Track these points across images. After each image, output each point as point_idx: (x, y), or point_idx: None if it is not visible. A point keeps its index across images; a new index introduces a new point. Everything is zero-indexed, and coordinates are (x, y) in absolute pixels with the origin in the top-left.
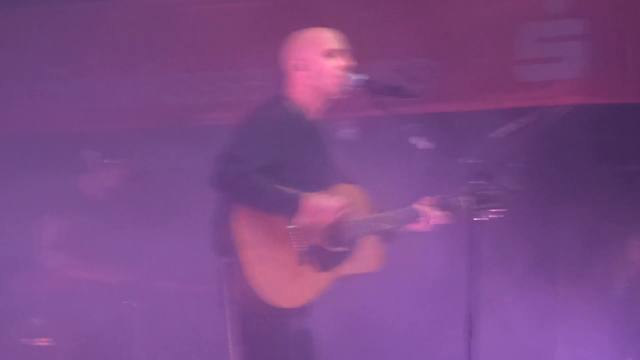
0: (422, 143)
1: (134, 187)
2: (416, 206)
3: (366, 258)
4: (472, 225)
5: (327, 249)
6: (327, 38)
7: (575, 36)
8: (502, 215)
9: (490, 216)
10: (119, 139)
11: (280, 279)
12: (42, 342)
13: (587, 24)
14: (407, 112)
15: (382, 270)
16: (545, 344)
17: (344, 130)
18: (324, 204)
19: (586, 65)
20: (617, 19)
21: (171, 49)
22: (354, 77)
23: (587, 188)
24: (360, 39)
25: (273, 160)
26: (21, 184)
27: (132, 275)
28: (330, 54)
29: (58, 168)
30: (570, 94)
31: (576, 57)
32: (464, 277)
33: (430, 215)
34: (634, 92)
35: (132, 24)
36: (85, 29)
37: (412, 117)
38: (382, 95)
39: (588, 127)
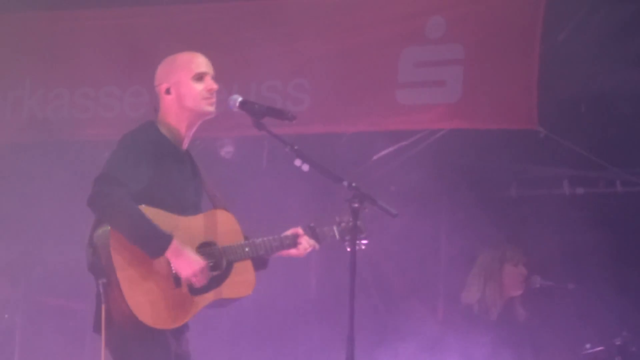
0: (305, 166)
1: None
2: (289, 234)
3: (239, 283)
4: (352, 252)
5: None
6: (196, 61)
7: (455, 61)
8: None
9: (358, 247)
10: None
11: (156, 300)
12: None
13: (465, 49)
14: (288, 132)
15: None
16: None
17: (225, 149)
18: (188, 258)
19: (465, 91)
20: (490, 45)
21: (54, 64)
22: (233, 98)
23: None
24: (238, 60)
25: (149, 183)
26: None
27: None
28: (199, 77)
29: None
30: (450, 119)
31: (456, 82)
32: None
33: (302, 243)
34: (505, 119)
35: (17, 36)
36: None
37: (295, 138)
38: (263, 117)
39: (463, 151)
